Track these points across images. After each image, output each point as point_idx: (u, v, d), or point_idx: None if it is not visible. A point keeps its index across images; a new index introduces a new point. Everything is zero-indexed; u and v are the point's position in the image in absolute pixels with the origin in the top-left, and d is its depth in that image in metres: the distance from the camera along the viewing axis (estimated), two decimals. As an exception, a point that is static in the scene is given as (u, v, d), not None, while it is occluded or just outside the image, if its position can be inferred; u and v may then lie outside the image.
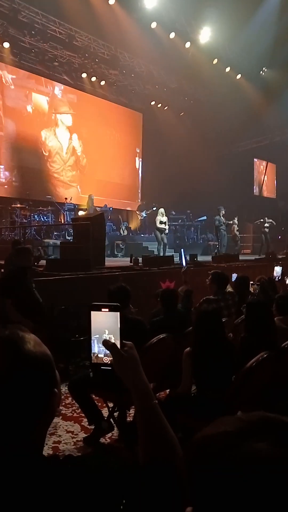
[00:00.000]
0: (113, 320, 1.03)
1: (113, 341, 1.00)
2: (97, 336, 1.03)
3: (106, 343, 0.99)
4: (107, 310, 1.04)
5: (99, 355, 1.03)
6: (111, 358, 1.00)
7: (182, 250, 9.31)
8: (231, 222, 14.03)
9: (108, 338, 1.01)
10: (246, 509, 0.47)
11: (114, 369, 1.00)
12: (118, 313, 1.04)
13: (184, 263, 8.16)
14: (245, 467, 0.49)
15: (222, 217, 12.86)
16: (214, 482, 0.50)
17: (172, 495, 0.84)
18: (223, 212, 12.90)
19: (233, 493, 0.49)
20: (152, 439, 0.97)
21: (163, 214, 11.93)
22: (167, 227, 12.12)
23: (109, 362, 1.02)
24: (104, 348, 1.01)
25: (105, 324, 1.02)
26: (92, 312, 1.03)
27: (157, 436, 0.96)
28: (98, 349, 1.03)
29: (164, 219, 11.94)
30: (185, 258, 8.68)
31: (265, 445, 0.50)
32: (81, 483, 0.77)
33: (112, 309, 1.04)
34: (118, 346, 1.00)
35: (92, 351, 1.03)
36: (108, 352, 1.00)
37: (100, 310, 1.03)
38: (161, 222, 11.79)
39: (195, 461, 0.54)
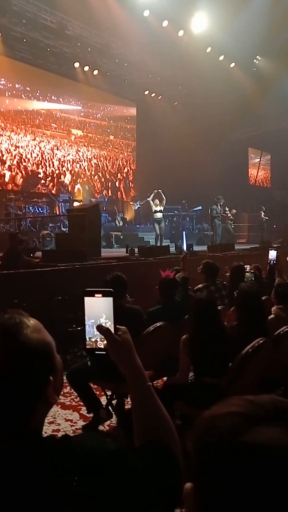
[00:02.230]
0: (106, 305, 1.04)
1: (107, 326, 1.01)
2: (92, 321, 1.04)
3: (100, 328, 1.00)
4: (100, 295, 1.04)
5: (93, 340, 1.04)
6: (105, 343, 1.02)
7: (184, 232, 9.18)
8: (229, 213, 14.09)
9: (104, 323, 1.02)
10: (254, 497, 0.45)
11: (108, 353, 1.02)
12: (112, 298, 1.04)
13: (185, 247, 8.11)
14: (256, 454, 0.47)
15: (219, 207, 12.87)
16: (220, 466, 0.48)
17: (168, 475, 0.86)
18: (222, 202, 12.91)
19: (240, 480, 0.46)
20: (147, 421, 0.98)
21: (156, 204, 11.76)
22: (161, 215, 11.87)
23: (103, 347, 1.03)
24: (98, 333, 1.02)
25: (98, 309, 1.03)
26: (85, 298, 1.04)
27: (152, 417, 0.97)
28: (92, 334, 1.04)
29: (158, 208, 11.75)
30: (186, 242, 8.63)
31: (278, 432, 0.48)
32: (78, 461, 0.78)
33: (105, 294, 1.04)
34: (112, 331, 1.01)
35: (87, 336, 1.04)
36: (102, 336, 1.01)
37: (94, 296, 1.04)
38: (155, 211, 11.70)
39: (201, 440, 0.52)
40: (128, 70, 16.69)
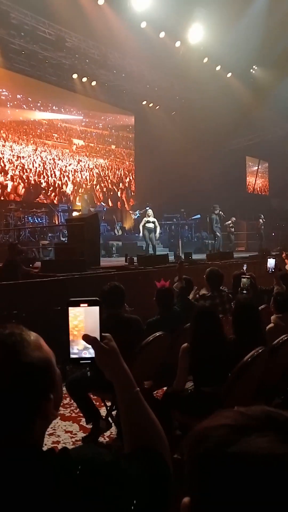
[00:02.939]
0: (92, 315, 1.03)
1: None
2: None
3: (87, 338, 1.00)
4: (86, 305, 1.03)
5: (77, 350, 1.03)
6: (90, 352, 1.01)
7: (179, 240, 9.21)
8: (230, 222, 14.16)
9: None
10: (244, 505, 0.46)
11: (93, 361, 1.02)
12: (98, 307, 1.04)
13: (182, 256, 8.16)
14: (244, 464, 0.47)
15: (217, 216, 12.92)
16: (211, 476, 0.49)
17: (159, 480, 0.87)
18: (218, 210, 12.96)
19: (231, 489, 0.47)
20: (136, 426, 0.98)
21: (149, 215, 11.92)
22: (157, 226, 12.04)
23: (88, 356, 1.02)
24: (82, 342, 1.01)
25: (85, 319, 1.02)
26: (70, 308, 1.02)
27: (141, 423, 0.98)
28: (77, 343, 1.03)
29: (152, 219, 11.92)
30: (183, 250, 8.70)
31: (266, 441, 0.49)
32: (75, 472, 0.79)
33: (91, 303, 1.04)
34: (98, 339, 1.01)
35: (70, 347, 1.03)
36: (85, 345, 1.01)
37: (79, 306, 1.03)
38: (148, 222, 11.79)
39: (193, 453, 0.53)
40: (126, 81, 16.84)
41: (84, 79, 16.16)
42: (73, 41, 14.02)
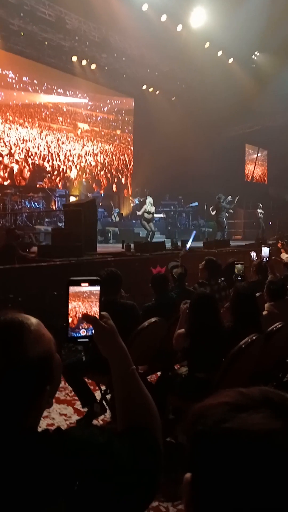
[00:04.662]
0: (93, 294, 1.04)
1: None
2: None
3: (87, 317, 1.02)
4: (87, 284, 1.04)
5: (75, 329, 1.04)
6: (87, 329, 1.03)
7: (194, 232, 9.27)
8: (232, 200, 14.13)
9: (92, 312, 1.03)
10: (241, 480, 0.47)
11: (91, 340, 1.03)
12: (99, 286, 1.05)
13: (188, 247, 8.20)
14: (239, 438, 0.49)
15: (226, 204, 13.01)
16: (209, 451, 0.51)
17: (151, 458, 0.89)
18: (223, 198, 13.01)
19: (227, 463, 0.49)
20: (131, 404, 0.99)
21: (151, 204, 11.89)
22: (154, 215, 12.08)
23: (85, 334, 1.04)
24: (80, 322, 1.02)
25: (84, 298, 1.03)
26: (70, 287, 1.03)
27: (136, 401, 0.99)
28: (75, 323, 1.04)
29: (152, 209, 11.89)
30: (191, 241, 8.76)
31: (260, 417, 0.50)
32: (69, 451, 0.81)
33: (92, 283, 1.05)
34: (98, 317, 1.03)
35: (69, 326, 1.04)
36: (83, 324, 1.02)
37: (80, 285, 1.03)
38: (148, 212, 11.78)
39: (193, 430, 0.55)
40: (126, 64, 16.60)
41: (84, 62, 15.91)
42: (73, 22, 13.76)
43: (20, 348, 0.84)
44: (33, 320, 0.92)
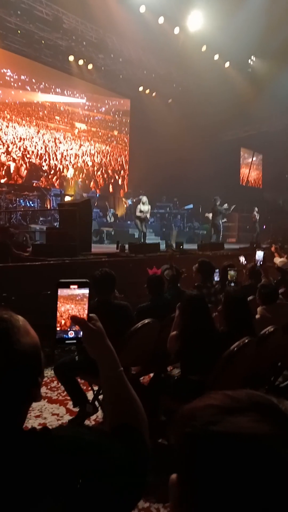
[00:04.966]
0: (81, 296, 1.04)
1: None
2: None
3: (75, 319, 1.02)
4: (75, 286, 1.04)
5: (64, 330, 1.04)
6: (75, 331, 1.03)
7: (175, 229, 9.23)
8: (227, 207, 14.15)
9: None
10: (229, 482, 0.48)
11: (79, 342, 1.03)
12: (87, 289, 1.05)
13: (174, 245, 8.21)
14: (226, 441, 0.50)
15: (222, 209, 13.02)
16: (197, 453, 0.52)
17: (138, 459, 0.89)
18: (219, 202, 13.02)
19: (214, 465, 0.49)
20: (119, 405, 1.00)
21: (144, 203, 11.88)
22: (148, 215, 12.04)
23: (73, 336, 1.04)
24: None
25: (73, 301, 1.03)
26: (59, 289, 1.03)
27: (123, 402, 1.00)
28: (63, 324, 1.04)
29: (145, 208, 11.86)
30: (175, 240, 8.78)
31: (247, 421, 0.51)
32: (56, 450, 0.80)
33: (80, 285, 1.05)
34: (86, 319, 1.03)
35: (57, 327, 1.04)
36: (71, 326, 1.03)
37: (69, 287, 1.04)
38: (140, 211, 11.76)
39: (181, 432, 0.55)
40: (123, 66, 16.62)
41: (81, 62, 15.90)
42: (70, 22, 13.76)
43: (13, 339, 0.85)
44: (19, 316, 0.93)
